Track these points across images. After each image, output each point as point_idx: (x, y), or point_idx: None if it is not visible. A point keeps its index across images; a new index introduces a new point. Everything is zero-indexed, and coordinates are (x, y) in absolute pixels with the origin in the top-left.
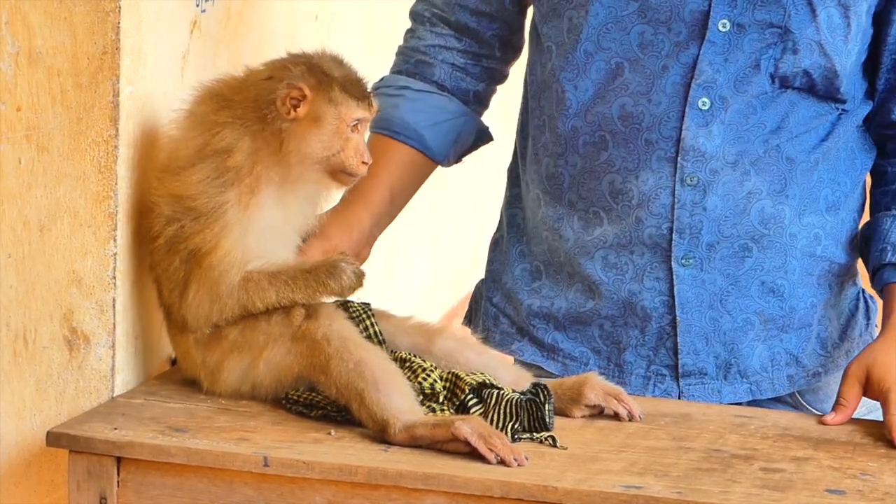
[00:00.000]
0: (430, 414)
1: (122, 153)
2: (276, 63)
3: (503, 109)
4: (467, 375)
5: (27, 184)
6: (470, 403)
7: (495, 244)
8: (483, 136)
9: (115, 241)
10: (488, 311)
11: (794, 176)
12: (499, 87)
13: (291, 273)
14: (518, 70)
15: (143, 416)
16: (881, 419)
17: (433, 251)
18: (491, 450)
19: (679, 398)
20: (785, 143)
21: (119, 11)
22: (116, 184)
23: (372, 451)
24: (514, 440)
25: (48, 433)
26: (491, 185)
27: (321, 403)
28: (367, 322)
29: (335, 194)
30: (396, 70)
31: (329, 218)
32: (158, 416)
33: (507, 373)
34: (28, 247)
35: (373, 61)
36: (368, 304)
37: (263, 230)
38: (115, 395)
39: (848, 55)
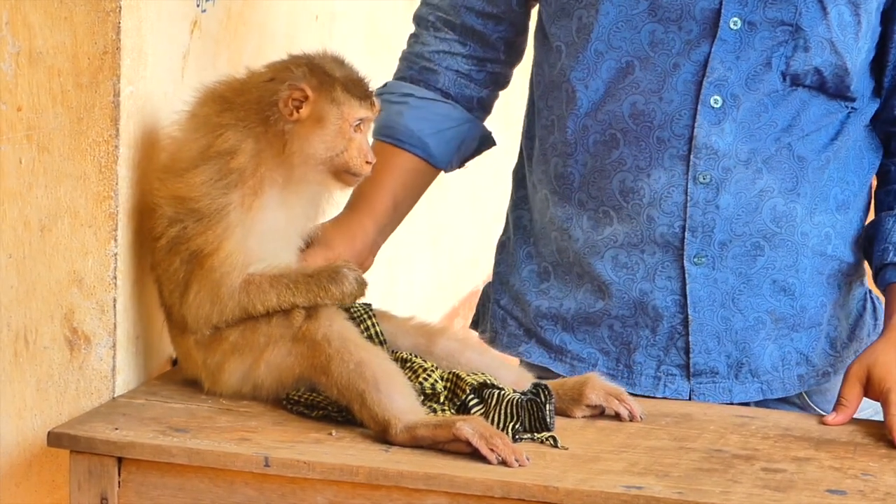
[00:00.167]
0: (431, 414)
1: (123, 153)
2: (278, 65)
3: (504, 112)
4: (468, 376)
5: (28, 184)
6: (471, 404)
7: (502, 246)
8: (486, 142)
9: (115, 241)
10: (496, 313)
11: (805, 174)
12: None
13: (293, 277)
14: (518, 73)
15: (144, 417)
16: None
17: (434, 252)
18: (492, 450)
19: (690, 398)
20: (796, 142)
21: (119, 11)
22: (117, 184)
23: (373, 451)
24: (515, 440)
25: (49, 433)
26: (491, 186)
27: (322, 404)
28: (368, 322)
29: (338, 196)
30: (400, 76)
31: (332, 227)
32: (159, 417)
33: (509, 373)
34: (29, 247)
35: (373, 61)
36: (369, 305)
37: (266, 232)
38: (115, 395)
39: (858, 53)
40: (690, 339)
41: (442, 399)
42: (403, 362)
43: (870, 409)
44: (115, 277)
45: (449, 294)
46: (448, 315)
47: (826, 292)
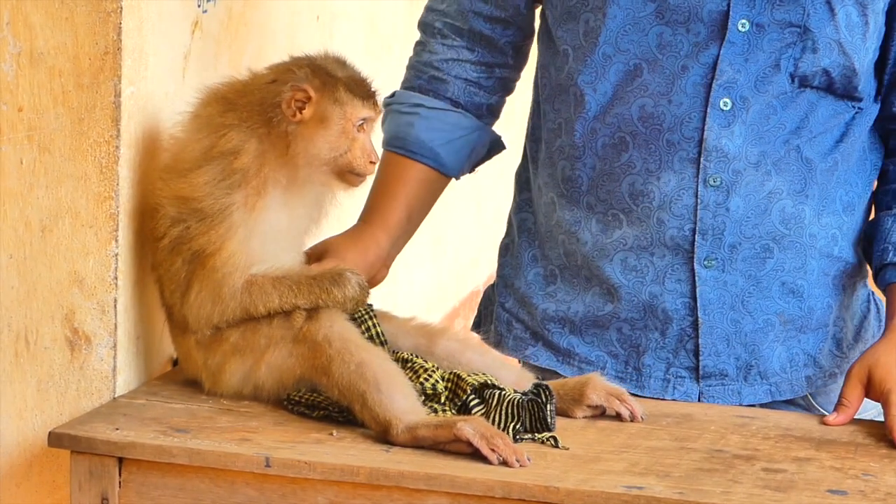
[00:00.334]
0: (432, 415)
1: (124, 154)
2: (280, 66)
3: (507, 112)
4: (469, 376)
5: (29, 184)
6: (472, 404)
7: (505, 249)
8: (496, 146)
9: (116, 241)
10: (501, 316)
11: (813, 176)
12: None
13: (296, 279)
14: (521, 74)
15: (145, 417)
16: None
17: (435, 252)
18: (493, 450)
19: (699, 400)
20: (804, 144)
21: (120, 12)
22: (118, 184)
23: (373, 451)
24: (515, 441)
25: (50, 433)
26: (493, 186)
27: (323, 404)
28: (369, 323)
29: (341, 197)
30: (409, 86)
31: (345, 240)
32: (160, 417)
33: (509, 373)
34: (30, 247)
35: (374, 62)
36: (370, 305)
37: (268, 233)
38: (116, 395)
39: (866, 53)
40: (700, 341)
41: (443, 399)
42: (404, 363)
43: (874, 411)
44: (116, 278)
45: (449, 294)
46: (449, 315)
47: (832, 294)
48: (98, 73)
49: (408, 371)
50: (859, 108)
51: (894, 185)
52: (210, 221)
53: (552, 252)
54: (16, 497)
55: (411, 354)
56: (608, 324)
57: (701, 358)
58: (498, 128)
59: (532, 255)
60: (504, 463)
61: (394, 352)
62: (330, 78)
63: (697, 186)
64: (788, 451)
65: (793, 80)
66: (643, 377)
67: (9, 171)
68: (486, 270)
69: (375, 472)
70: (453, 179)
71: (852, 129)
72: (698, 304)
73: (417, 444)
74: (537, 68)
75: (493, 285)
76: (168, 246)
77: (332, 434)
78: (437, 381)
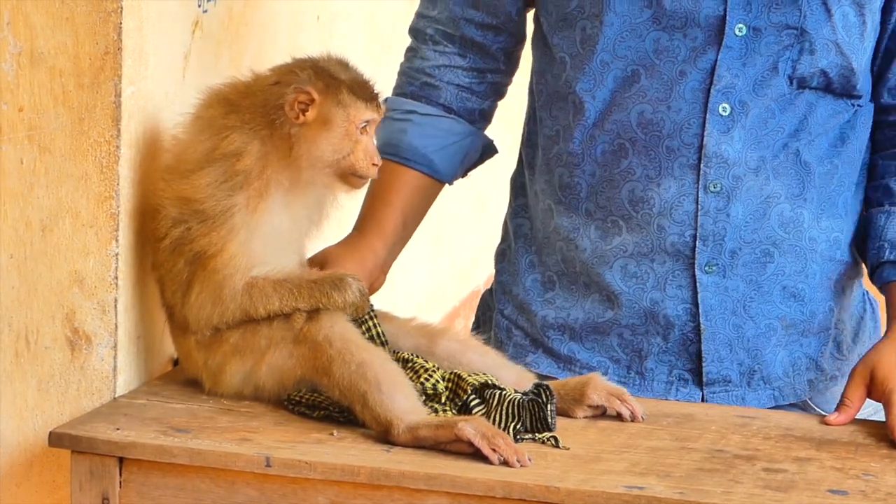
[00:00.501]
0: (433, 415)
1: (124, 153)
2: (283, 68)
3: (501, 115)
4: (469, 376)
5: (29, 184)
6: (472, 404)
7: (502, 255)
8: (488, 151)
9: (116, 241)
10: (500, 323)
11: (811, 180)
12: None
13: (297, 282)
14: (515, 77)
15: (146, 417)
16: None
17: (434, 252)
18: (494, 450)
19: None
20: (803, 147)
21: (121, 12)
22: (118, 184)
23: (374, 451)
24: (516, 441)
25: (50, 433)
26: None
27: (323, 404)
28: (370, 323)
29: (342, 200)
30: (401, 92)
31: (342, 249)
32: (160, 417)
33: (510, 373)
34: (30, 247)
35: (374, 62)
36: (371, 306)
37: (270, 235)
38: (117, 395)
39: (864, 52)
40: (703, 347)
41: (443, 399)
42: (405, 363)
43: (869, 409)
44: (117, 278)
45: (450, 295)
46: (449, 315)
47: (833, 296)
48: (98, 73)
49: (408, 371)
50: (858, 105)
51: (884, 180)
52: (212, 223)
53: (550, 258)
54: (16, 497)
55: (412, 354)
56: (609, 330)
57: (704, 364)
58: (496, 129)
59: (529, 261)
60: (505, 463)
61: (394, 352)
62: (333, 80)
63: (698, 192)
64: (789, 451)
65: (791, 83)
66: (646, 381)
67: (9, 170)
68: (486, 270)
69: (376, 472)
70: (447, 185)
71: (852, 130)
72: (700, 310)
73: (418, 444)
74: (532, 73)
75: (490, 290)
76: (169, 247)
77: (332, 434)
78: (437, 381)
